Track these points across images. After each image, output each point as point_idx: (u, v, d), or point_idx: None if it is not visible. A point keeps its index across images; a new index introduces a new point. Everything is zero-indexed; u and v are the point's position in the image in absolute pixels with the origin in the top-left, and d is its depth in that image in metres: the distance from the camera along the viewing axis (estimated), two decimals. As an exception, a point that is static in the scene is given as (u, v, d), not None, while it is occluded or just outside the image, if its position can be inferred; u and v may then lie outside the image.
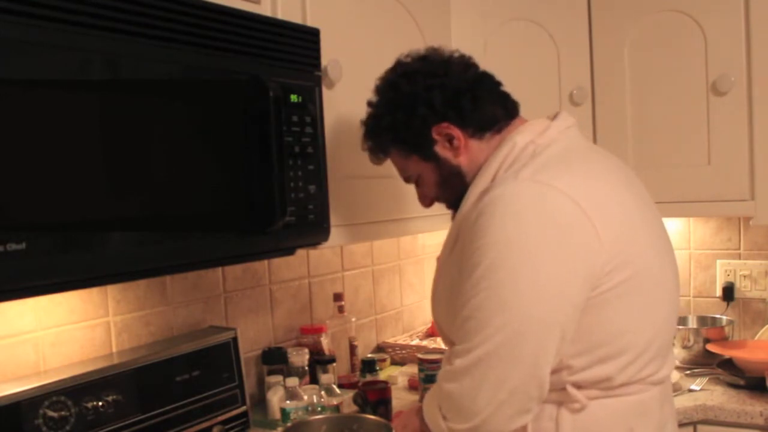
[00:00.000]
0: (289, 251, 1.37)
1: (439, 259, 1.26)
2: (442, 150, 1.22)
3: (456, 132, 1.20)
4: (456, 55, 1.26)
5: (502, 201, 1.05)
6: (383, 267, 2.29)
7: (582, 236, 1.03)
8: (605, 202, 1.08)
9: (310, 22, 1.41)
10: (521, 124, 1.22)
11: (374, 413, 1.51)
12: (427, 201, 1.33)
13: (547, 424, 1.09)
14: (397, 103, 1.24)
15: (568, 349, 1.06)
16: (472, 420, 1.05)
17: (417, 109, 1.21)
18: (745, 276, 2.28)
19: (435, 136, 1.22)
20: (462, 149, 1.21)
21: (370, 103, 1.30)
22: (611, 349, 1.07)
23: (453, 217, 1.26)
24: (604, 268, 1.04)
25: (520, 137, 1.17)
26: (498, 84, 1.27)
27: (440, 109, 1.20)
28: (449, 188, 1.25)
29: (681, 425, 1.72)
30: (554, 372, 1.07)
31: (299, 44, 1.32)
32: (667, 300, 1.15)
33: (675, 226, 2.35)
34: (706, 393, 1.85)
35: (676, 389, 1.82)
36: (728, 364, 1.95)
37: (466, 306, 1.06)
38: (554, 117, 1.21)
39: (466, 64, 1.26)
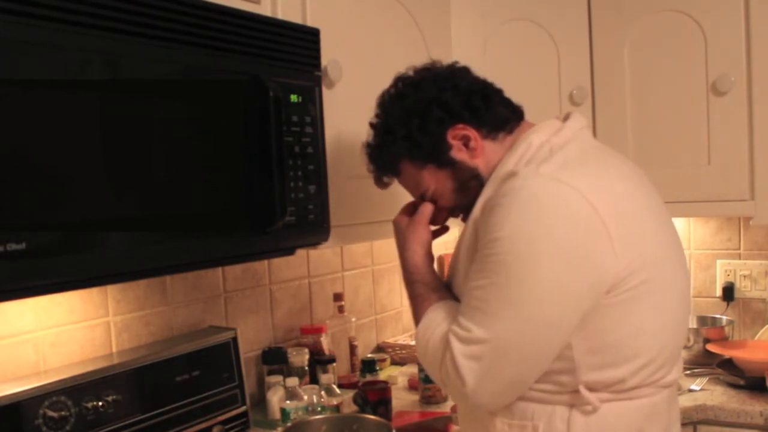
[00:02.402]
0: (289, 251, 1.37)
1: (453, 253, 1.24)
2: (458, 153, 1.20)
3: (472, 132, 1.19)
4: (457, 65, 1.26)
5: (521, 195, 1.04)
6: (383, 267, 2.29)
7: (596, 244, 1.03)
8: (622, 208, 1.07)
9: (310, 22, 1.41)
10: (531, 126, 1.22)
11: (374, 413, 1.51)
12: (442, 216, 1.29)
13: (559, 426, 1.09)
14: (409, 111, 1.21)
15: (582, 350, 1.06)
16: (471, 400, 1.09)
17: (432, 111, 1.19)
18: (745, 276, 2.28)
19: (450, 140, 1.19)
20: (478, 150, 1.19)
21: (372, 125, 1.27)
22: (625, 351, 1.07)
23: (464, 219, 1.25)
24: (618, 275, 1.04)
25: (535, 136, 1.16)
26: (500, 90, 1.26)
27: (456, 111, 1.18)
28: (467, 193, 1.22)
29: (681, 425, 1.72)
30: (567, 373, 1.07)
31: (299, 44, 1.32)
32: (679, 304, 1.15)
33: (675, 226, 2.35)
34: (706, 393, 1.85)
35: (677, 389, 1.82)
36: (728, 364, 1.95)
37: (472, 293, 1.07)
38: (565, 118, 1.20)
39: (468, 72, 1.25)
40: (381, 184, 1.32)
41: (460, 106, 1.19)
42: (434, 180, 1.24)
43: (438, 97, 1.19)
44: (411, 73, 1.25)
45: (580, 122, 1.20)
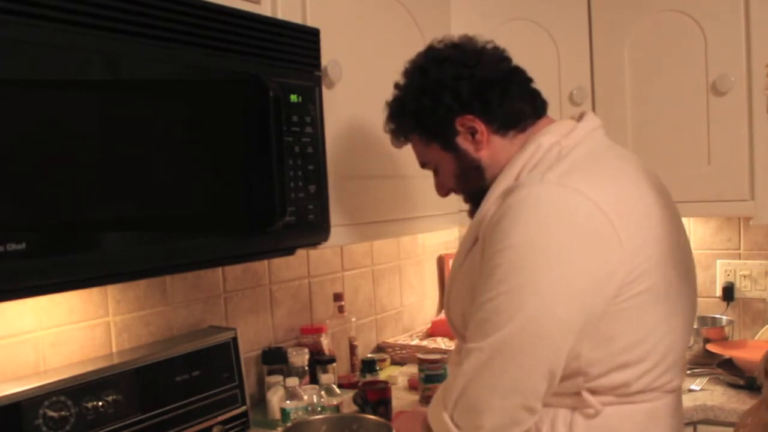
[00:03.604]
0: (289, 251, 1.37)
1: (455, 259, 1.24)
2: (463, 142, 1.20)
3: (480, 125, 1.18)
4: (489, 46, 1.24)
5: (526, 204, 1.04)
6: (383, 267, 2.29)
7: (605, 243, 1.03)
8: (630, 209, 1.07)
9: (310, 22, 1.41)
10: (548, 124, 1.21)
11: (374, 413, 1.51)
12: (443, 191, 1.31)
13: (561, 429, 1.09)
14: (423, 88, 1.21)
15: (588, 356, 1.05)
16: (485, 424, 1.04)
17: (443, 97, 1.19)
18: (745, 276, 2.28)
19: (458, 127, 1.20)
20: (484, 144, 1.19)
21: (396, 85, 1.28)
22: (631, 356, 1.07)
23: (470, 214, 1.25)
24: (627, 277, 1.03)
25: (545, 138, 1.15)
26: (529, 80, 1.25)
27: (466, 101, 1.18)
28: (467, 181, 1.23)
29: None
30: (571, 377, 1.06)
31: (299, 44, 1.32)
32: (685, 309, 1.14)
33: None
34: (706, 393, 1.84)
35: (676, 389, 1.82)
36: (728, 364, 1.95)
37: (484, 307, 1.05)
38: (580, 118, 1.19)
39: (498, 57, 1.23)
40: (395, 143, 1.34)
41: (472, 97, 1.18)
42: (438, 158, 1.26)
43: (452, 84, 1.18)
44: (442, 45, 1.25)
45: (593, 123, 1.18)
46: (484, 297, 1.05)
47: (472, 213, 1.24)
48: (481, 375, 1.04)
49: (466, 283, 1.15)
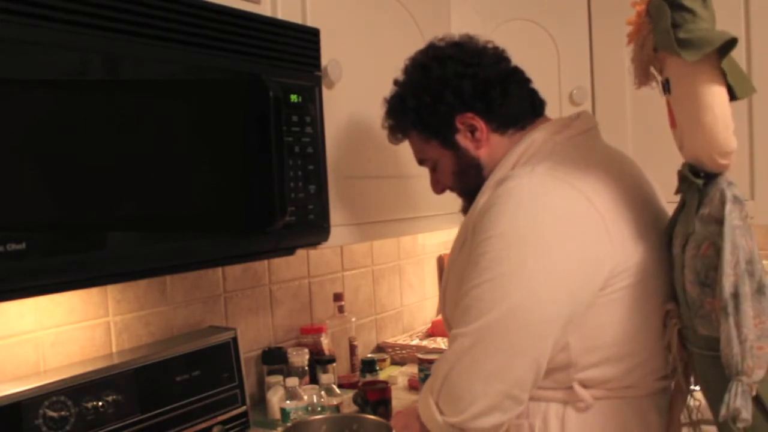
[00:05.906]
0: (289, 251, 1.37)
1: (449, 256, 1.25)
2: (463, 140, 1.21)
3: (480, 124, 1.19)
4: (490, 46, 1.25)
5: (515, 193, 1.05)
6: (383, 267, 2.29)
7: (593, 234, 1.03)
8: (619, 203, 1.07)
9: (310, 22, 1.41)
10: (545, 122, 1.21)
11: (374, 413, 1.51)
12: (439, 188, 1.32)
13: (553, 423, 1.09)
14: (424, 85, 1.22)
15: (576, 347, 1.05)
16: (468, 410, 1.03)
17: (444, 95, 1.19)
18: (745, 276, 2.27)
19: (458, 124, 1.20)
20: (483, 142, 1.20)
21: (396, 82, 1.29)
22: (620, 349, 1.07)
23: (464, 211, 1.25)
24: (615, 268, 1.04)
25: (539, 134, 1.16)
26: (527, 80, 1.25)
27: (468, 99, 1.18)
28: (465, 179, 1.24)
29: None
30: (562, 369, 1.07)
31: (299, 44, 1.32)
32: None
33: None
34: (706, 393, 1.84)
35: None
36: (728, 364, 1.94)
37: (469, 294, 1.05)
38: (576, 117, 1.20)
39: (499, 57, 1.24)
40: (393, 139, 1.34)
41: (474, 96, 1.18)
42: (436, 155, 1.26)
43: (454, 82, 1.19)
44: (443, 44, 1.25)
45: (588, 123, 1.19)
46: (469, 284, 1.05)
47: (465, 210, 1.24)
48: (463, 361, 1.03)
49: (458, 279, 1.15)
